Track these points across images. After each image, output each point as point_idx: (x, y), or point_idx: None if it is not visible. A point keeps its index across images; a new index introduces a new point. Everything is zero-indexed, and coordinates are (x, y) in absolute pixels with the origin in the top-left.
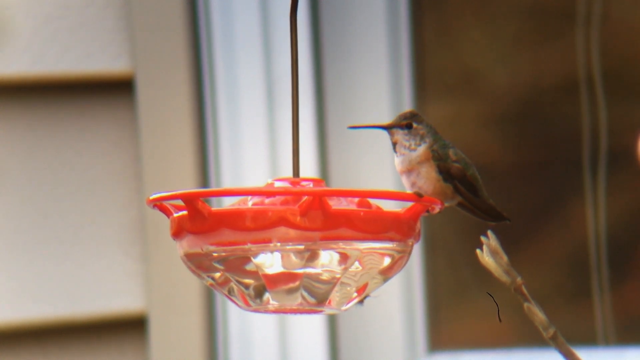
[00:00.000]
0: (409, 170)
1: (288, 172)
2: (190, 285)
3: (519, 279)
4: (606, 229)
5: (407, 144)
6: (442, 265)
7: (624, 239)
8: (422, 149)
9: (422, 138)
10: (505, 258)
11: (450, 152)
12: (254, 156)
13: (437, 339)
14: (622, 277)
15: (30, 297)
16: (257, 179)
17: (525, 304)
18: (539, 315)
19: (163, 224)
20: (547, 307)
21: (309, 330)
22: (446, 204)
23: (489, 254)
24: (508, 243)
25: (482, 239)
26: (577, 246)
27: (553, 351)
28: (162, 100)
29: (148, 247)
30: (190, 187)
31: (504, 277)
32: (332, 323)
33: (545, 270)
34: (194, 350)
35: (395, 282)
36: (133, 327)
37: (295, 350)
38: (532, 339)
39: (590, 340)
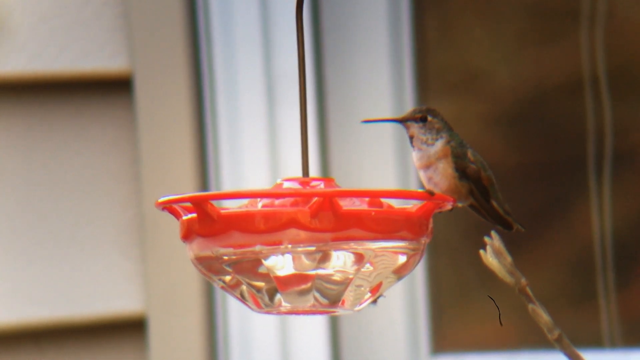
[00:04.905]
0: (427, 166)
1: (288, 172)
2: (190, 286)
3: (523, 280)
4: (611, 229)
5: (423, 137)
6: (446, 266)
7: (630, 240)
8: (440, 143)
9: (438, 132)
10: (509, 259)
11: (469, 152)
12: (254, 155)
13: (440, 341)
14: (628, 278)
15: (28, 299)
16: (257, 178)
17: (530, 306)
18: (543, 316)
19: (162, 225)
20: (552, 308)
21: (311, 331)
22: (459, 204)
23: (493, 255)
24: (512, 244)
25: (486, 239)
26: (582, 247)
27: (558, 353)
28: (161, 99)
29: (146, 248)
30: (189, 187)
31: (508, 278)
32: (334, 324)
33: (550, 271)
34: (194, 352)
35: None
36: (132, 328)
37: (296, 352)
38: (537, 340)
39: (595, 342)
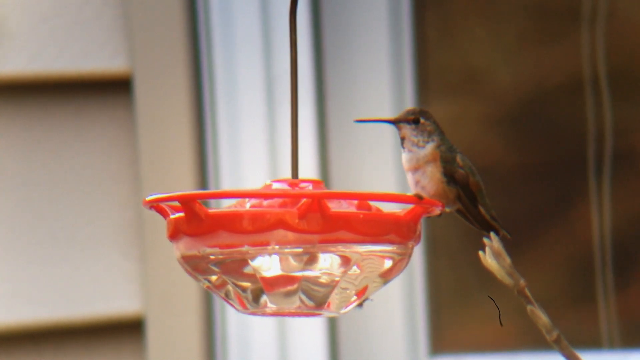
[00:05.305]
0: (416, 169)
1: (288, 173)
2: (188, 286)
3: (522, 282)
4: (611, 230)
5: (415, 139)
6: (445, 267)
7: (629, 241)
8: (430, 147)
9: (429, 135)
10: (508, 260)
11: (458, 157)
12: (253, 156)
13: (439, 342)
14: (627, 279)
15: (26, 299)
16: (257, 179)
17: (529, 307)
18: (542, 318)
19: (161, 225)
20: (551, 309)
21: (309, 332)
22: (447, 209)
23: (492, 256)
24: (511, 245)
25: (485, 240)
26: (581, 248)
27: (557, 354)
28: (161, 99)
29: (145, 248)
30: (189, 187)
31: (507, 280)
32: (333, 325)
33: (549, 272)
34: (192, 353)
35: (397, 284)
36: (130, 329)
37: (294, 352)
38: (536, 342)
39: (594, 343)
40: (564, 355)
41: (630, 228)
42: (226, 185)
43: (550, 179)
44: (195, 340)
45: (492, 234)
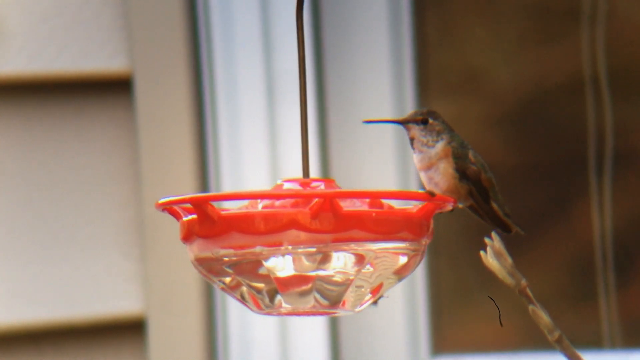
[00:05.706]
0: (429, 167)
1: (289, 172)
2: (190, 286)
3: (523, 281)
4: (612, 230)
5: (424, 140)
6: (446, 267)
7: (630, 240)
8: (440, 145)
9: (438, 134)
10: (509, 260)
11: (470, 153)
12: (254, 155)
13: (440, 342)
14: (628, 279)
15: (27, 300)
16: (257, 178)
17: (530, 307)
18: (543, 318)
19: (161, 225)
20: (552, 309)
21: (310, 333)
22: (459, 205)
23: (493, 256)
24: (512, 245)
25: (486, 240)
26: (582, 248)
27: (558, 354)
28: (161, 99)
29: (146, 248)
30: (189, 187)
31: (508, 280)
32: (334, 325)
33: (550, 272)
34: (193, 353)
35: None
36: (131, 329)
37: (296, 353)
38: (537, 342)
39: (595, 343)
40: (566, 355)
41: (631, 227)
42: (227, 185)
43: (551, 179)
44: (197, 341)
45: (493, 234)
